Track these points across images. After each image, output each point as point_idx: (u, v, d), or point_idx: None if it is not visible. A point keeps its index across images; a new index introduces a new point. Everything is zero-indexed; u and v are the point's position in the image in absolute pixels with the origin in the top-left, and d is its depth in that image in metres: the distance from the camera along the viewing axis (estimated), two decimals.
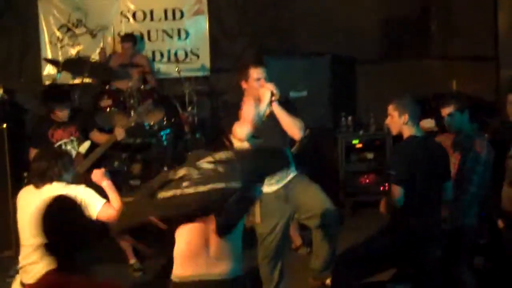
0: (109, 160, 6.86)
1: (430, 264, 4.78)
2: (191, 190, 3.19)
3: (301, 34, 8.41)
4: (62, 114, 6.27)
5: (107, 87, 7.59)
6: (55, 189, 4.37)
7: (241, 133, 4.53)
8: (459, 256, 5.04)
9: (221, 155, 3.34)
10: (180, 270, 3.36)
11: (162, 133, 7.31)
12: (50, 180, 4.38)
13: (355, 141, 7.64)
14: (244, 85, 5.17)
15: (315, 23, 8.40)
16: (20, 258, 4.41)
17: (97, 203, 4.38)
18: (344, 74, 8.35)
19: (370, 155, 7.61)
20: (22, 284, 4.37)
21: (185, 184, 3.22)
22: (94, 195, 4.41)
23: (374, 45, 8.64)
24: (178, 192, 3.21)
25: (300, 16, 8.44)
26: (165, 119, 7.36)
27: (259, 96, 4.97)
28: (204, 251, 3.34)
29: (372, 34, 8.59)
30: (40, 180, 4.40)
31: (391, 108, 4.83)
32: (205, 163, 3.30)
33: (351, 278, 4.74)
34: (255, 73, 5.08)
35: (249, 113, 4.83)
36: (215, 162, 3.29)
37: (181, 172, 3.28)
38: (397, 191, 4.60)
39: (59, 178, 4.40)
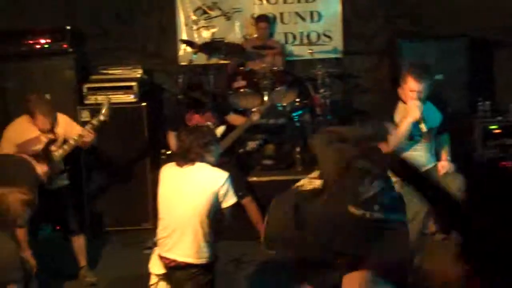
0: (243, 140, 6.98)
1: None
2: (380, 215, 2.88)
3: (436, 15, 8.14)
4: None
5: (241, 68, 7.70)
6: (197, 170, 4.43)
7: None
8: None
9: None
10: None
11: (294, 114, 7.33)
12: (192, 161, 4.42)
13: (493, 127, 7.37)
14: (400, 89, 5.18)
15: (451, 4, 8.12)
16: (158, 230, 4.53)
17: (232, 199, 4.45)
18: (482, 58, 8.03)
19: (509, 141, 7.33)
20: (160, 256, 4.50)
21: (376, 207, 2.92)
22: (232, 188, 4.46)
23: None
24: (367, 214, 2.90)
25: None
26: (297, 100, 7.38)
27: (408, 107, 4.99)
28: None
29: None
30: (183, 160, 4.45)
31: None
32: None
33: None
34: (413, 85, 5.08)
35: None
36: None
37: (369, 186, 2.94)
38: None
39: (201, 159, 4.44)
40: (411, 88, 5.05)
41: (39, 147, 5.70)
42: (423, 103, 5.10)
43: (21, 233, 4.99)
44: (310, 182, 3.16)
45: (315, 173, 3.13)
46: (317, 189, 3.08)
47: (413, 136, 5.11)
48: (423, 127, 5.03)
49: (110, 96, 6.66)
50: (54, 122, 5.81)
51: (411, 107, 4.97)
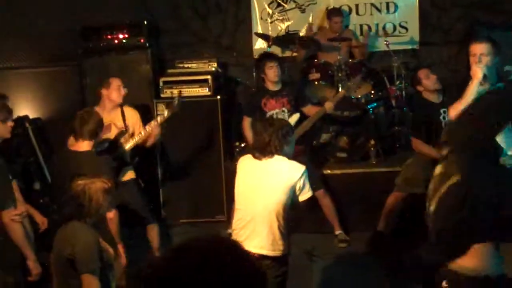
0: (316, 133, 6.96)
1: None
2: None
3: None
4: (272, 71, 6.43)
5: (315, 61, 7.67)
6: (276, 162, 4.42)
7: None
8: None
9: None
10: (469, 261, 3.13)
11: (369, 106, 7.26)
12: (271, 154, 4.41)
13: None
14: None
15: None
16: (234, 221, 4.56)
17: (308, 192, 4.44)
18: None
19: None
20: None
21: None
22: (308, 181, 4.44)
23: None
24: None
25: None
26: (372, 92, 7.30)
27: (472, 73, 4.83)
28: None
29: None
30: (261, 153, 4.44)
31: None
32: None
33: None
34: (473, 48, 4.92)
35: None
36: None
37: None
38: None
39: (280, 152, 4.42)
40: (473, 51, 4.89)
41: (109, 135, 5.83)
42: (490, 79, 4.91)
43: (113, 225, 5.06)
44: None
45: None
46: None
47: None
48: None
49: (185, 90, 6.75)
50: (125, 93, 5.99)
51: (473, 70, 4.80)
